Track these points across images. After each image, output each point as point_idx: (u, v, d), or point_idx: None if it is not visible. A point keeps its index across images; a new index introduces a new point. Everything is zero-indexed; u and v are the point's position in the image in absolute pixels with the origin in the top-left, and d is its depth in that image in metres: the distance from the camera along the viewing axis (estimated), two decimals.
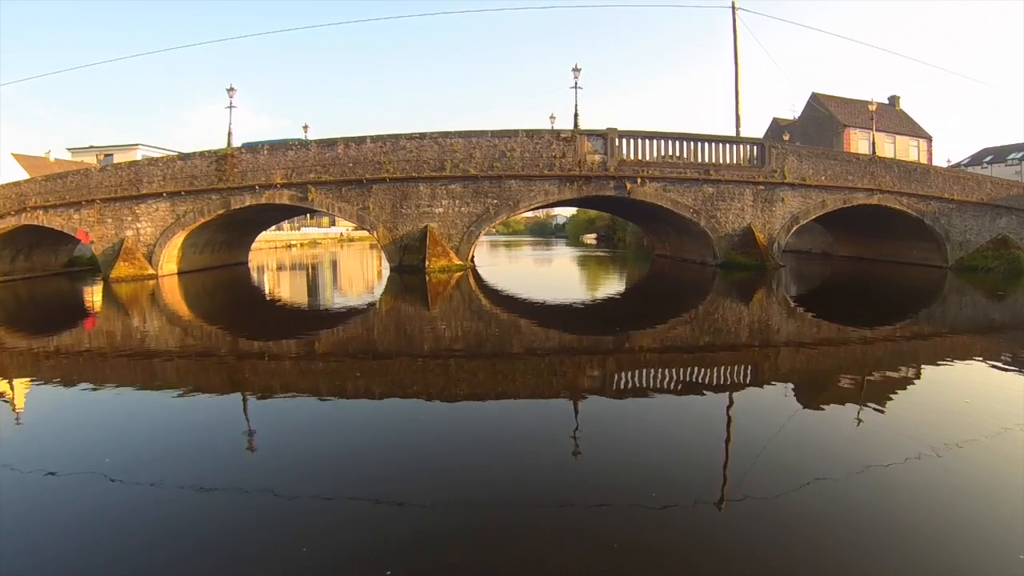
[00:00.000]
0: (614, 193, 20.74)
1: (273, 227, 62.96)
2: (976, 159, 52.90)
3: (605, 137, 20.62)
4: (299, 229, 68.35)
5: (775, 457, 4.86)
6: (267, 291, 20.86)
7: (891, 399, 6.72)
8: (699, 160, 21.65)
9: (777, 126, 44.60)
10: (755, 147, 22.56)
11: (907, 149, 39.34)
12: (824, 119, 38.20)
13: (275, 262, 36.09)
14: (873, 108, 27.48)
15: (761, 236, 22.17)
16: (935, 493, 4.25)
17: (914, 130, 41.30)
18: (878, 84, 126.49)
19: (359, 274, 28.72)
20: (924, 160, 38.16)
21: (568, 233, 77.50)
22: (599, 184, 20.71)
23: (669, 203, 21.21)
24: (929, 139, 40.96)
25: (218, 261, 26.96)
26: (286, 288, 22.28)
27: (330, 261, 37.63)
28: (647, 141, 21.14)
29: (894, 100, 43.75)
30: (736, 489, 4.26)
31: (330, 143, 21.01)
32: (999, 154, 52.01)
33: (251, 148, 21.86)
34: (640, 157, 21.00)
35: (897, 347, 9.77)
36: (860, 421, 5.78)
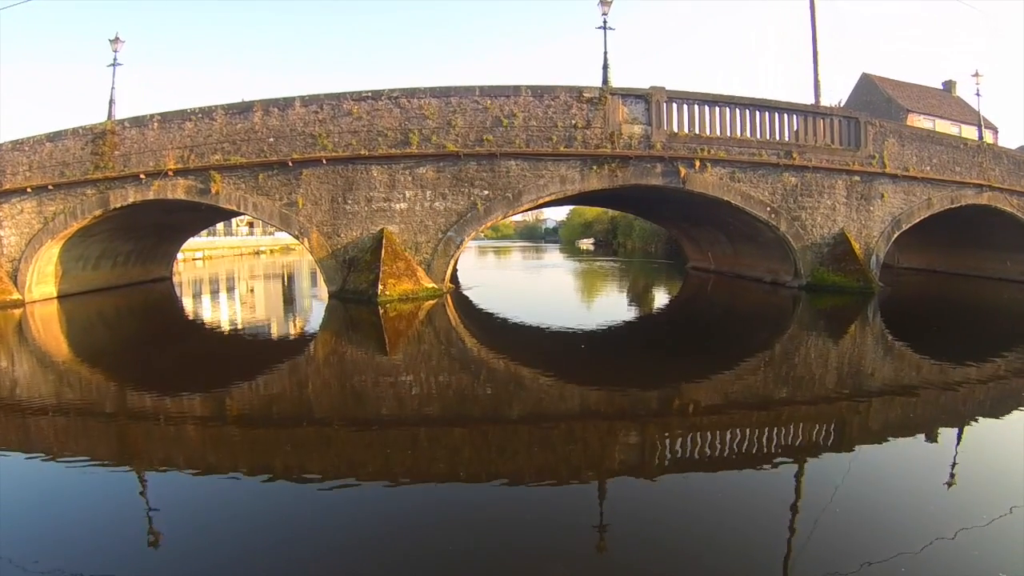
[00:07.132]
0: (661, 181, 14.14)
1: (246, 229, 57.09)
2: None
3: (648, 100, 14.03)
4: (272, 233, 62.68)
5: (852, 531, 3.78)
6: (187, 319, 15.51)
7: (991, 455, 5.43)
8: (776, 138, 15.26)
9: None
10: (849, 122, 16.25)
11: None
12: (880, 103, 32.16)
13: (227, 274, 30.13)
14: (979, 81, 21.63)
15: (857, 246, 15.90)
16: None
17: (977, 120, 35.26)
18: (924, 70, 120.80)
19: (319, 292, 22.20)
20: None
21: (561, 238, 74.15)
22: (641, 168, 14.09)
23: (739, 197, 14.68)
24: (995, 130, 34.95)
25: (123, 278, 20.26)
26: (216, 313, 16.46)
27: (299, 272, 31.57)
28: (706, 108, 14.60)
29: (949, 86, 37.86)
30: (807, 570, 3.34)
31: (243, 108, 14.34)
32: None
33: (137, 120, 15.20)
34: (697, 131, 14.49)
35: (1004, 387, 7.86)
36: (951, 484, 4.66)
